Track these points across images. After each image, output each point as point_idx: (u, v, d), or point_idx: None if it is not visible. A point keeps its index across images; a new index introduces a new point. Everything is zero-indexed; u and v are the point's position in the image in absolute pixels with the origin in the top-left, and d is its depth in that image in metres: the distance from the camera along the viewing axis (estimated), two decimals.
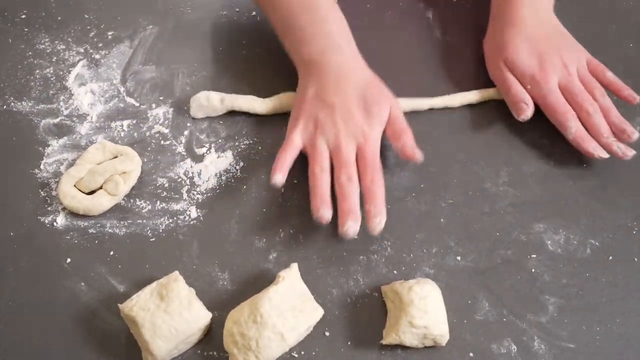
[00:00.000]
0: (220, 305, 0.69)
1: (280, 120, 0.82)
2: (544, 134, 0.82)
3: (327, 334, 0.68)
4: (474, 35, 0.93)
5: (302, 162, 0.76)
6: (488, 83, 0.86)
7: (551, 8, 0.88)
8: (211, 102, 0.82)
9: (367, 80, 0.79)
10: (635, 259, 0.73)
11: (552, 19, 0.87)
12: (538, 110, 0.83)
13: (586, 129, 0.79)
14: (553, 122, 0.81)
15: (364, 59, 0.82)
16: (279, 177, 0.72)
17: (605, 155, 0.78)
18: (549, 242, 0.74)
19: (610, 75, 0.83)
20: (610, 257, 0.73)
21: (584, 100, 0.80)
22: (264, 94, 0.84)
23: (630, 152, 0.78)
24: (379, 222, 0.71)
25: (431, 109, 0.85)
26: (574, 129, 0.79)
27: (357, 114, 0.76)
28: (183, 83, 0.87)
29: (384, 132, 0.77)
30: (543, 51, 0.82)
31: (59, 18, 0.94)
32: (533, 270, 0.72)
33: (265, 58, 0.89)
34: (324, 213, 0.71)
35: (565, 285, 0.71)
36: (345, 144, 0.75)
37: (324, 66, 0.79)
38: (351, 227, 0.70)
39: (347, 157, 0.74)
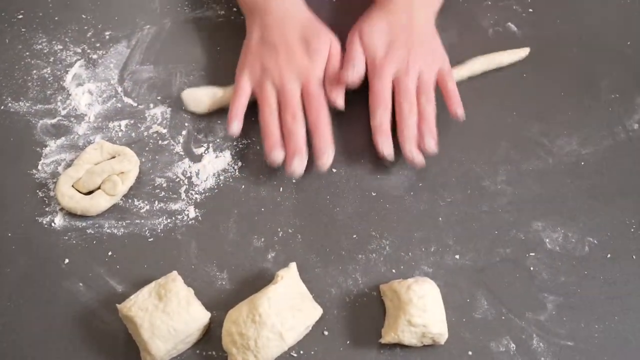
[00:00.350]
0: (219, 305, 0.69)
1: None
2: (543, 133, 0.82)
3: (326, 333, 0.68)
4: (467, 32, 0.93)
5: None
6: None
7: (432, 16, 0.86)
8: (197, 101, 0.83)
9: (306, 20, 0.83)
10: (634, 257, 0.73)
11: (426, 25, 0.85)
12: (536, 110, 0.83)
13: (397, 126, 0.78)
14: (369, 106, 0.79)
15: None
16: (235, 125, 0.77)
17: (391, 158, 0.77)
18: (548, 240, 0.74)
19: (451, 86, 0.81)
20: (609, 255, 0.73)
21: (405, 99, 0.78)
22: None
23: (419, 161, 0.76)
24: (327, 158, 0.75)
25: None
26: (378, 118, 0.77)
27: (299, 52, 0.80)
28: (181, 83, 0.87)
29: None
30: (395, 42, 0.81)
31: (56, 18, 0.94)
32: (532, 268, 0.72)
33: None
34: (276, 156, 0.75)
35: (564, 283, 0.71)
36: (289, 83, 0.78)
37: (265, 11, 0.84)
38: (297, 167, 0.74)
39: (291, 96, 0.77)
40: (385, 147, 0.77)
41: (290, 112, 0.77)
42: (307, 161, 0.75)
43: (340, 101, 0.78)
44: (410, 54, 0.80)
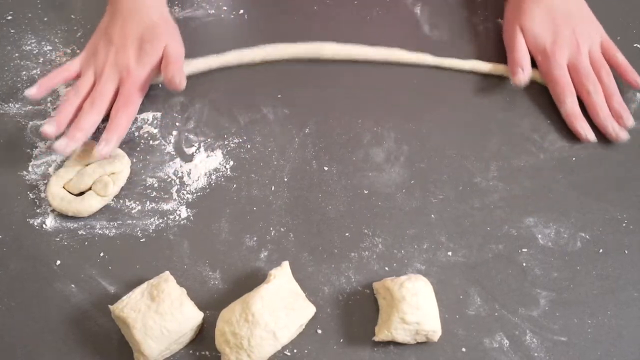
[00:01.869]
0: (212, 304, 0.69)
1: (271, 120, 0.82)
2: (534, 128, 0.83)
3: (319, 331, 0.68)
4: (462, 31, 0.93)
5: (294, 156, 0.76)
6: None
7: None
8: None
9: (152, 21, 0.82)
10: (626, 252, 0.73)
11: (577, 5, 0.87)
12: (529, 102, 0.84)
13: (587, 109, 0.81)
14: (553, 96, 0.83)
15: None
16: (34, 89, 0.78)
17: (593, 139, 0.79)
18: (540, 236, 0.74)
19: (620, 57, 0.84)
20: (601, 250, 0.73)
21: (588, 79, 0.81)
22: None
23: (624, 136, 0.79)
24: (103, 147, 0.75)
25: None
26: (569, 105, 0.80)
27: (130, 50, 0.80)
28: None
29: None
30: (558, 25, 0.83)
31: (46, 19, 0.93)
32: (524, 264, 0.72)
33: None
34: (48, 127, 0.74)
35: (557, 278, 0.71)
36: (106, 75, 0.79)
37: (119, 2, 0.83)
38: (59, 145, 0.74)
39: (101, 87, 0.78)
40: (587, 132, 0.80)
41: (91, 100, 0.77)
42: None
43: (181, 82, 0.78)
44: (576, 33, 0.83)
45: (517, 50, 0.84)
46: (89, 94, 0.78)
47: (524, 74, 0.82)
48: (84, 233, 0.74)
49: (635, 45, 0.91)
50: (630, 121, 0.80)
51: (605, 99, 0.81)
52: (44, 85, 0.78)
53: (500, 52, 0.90)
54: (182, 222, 0.75)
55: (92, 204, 0.74)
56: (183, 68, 0.80)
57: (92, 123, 0.76)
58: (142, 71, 0.79)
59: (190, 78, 0.85)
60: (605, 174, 0.79)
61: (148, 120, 0.83)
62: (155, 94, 0.85)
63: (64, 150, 0.74)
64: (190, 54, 0.89)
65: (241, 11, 0.94)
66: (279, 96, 0.85)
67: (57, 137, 0.75)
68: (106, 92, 0.78)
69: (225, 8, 0.95)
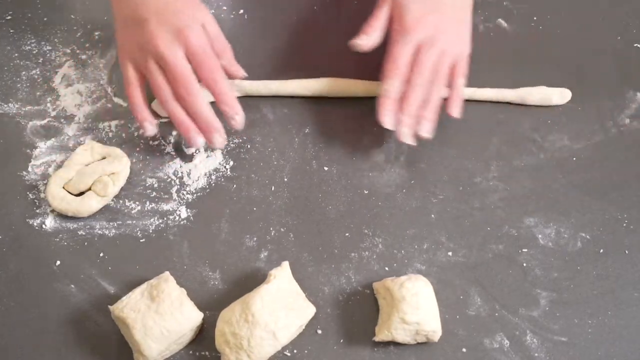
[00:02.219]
0: (212, 305, 0.69)
1: (271, 120, 0.82)
2: (535, 128, 0.82)
3: (319, 332, 0.68)
4: None
5: (294, 156, 0.76)
6: (476, 78, 0.86)
7: (469, 3, 0.82)
8: None
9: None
10: (626, 252, 0.73)
11: (462, 8, 0.81)
12: (527, 105, 0.83)
13: (403, 95, 0.76)
14: (384, 68, 0.77)
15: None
16: (148, 126, 0.75)
17: (387, 125, 0.75)
18: (540, 236, 0.74)
19: (460, 82, 0.78)
20: (601, 250, 0.73)
21: (422, 73, 0.75)
22: None
23: (408, 140, 0.75)
24: (238, 120, 0.75)
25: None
26: (390, 86, 0.75)
27: (168, 15, 0.72)
28: None
29: None
30: (431, 11, 0.77)
31: (45, 19, 0.93)
32: (524, 264, 0.72)
33: (253, 56, 0.89)
34: (196, 142, 0.74)
35: (557, 278, 0.71)
36: (167, 48, 0.71)
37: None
38: (217, 142, 0.74)
39: (175, 63, 0.71)
40: (387, 117, 0.75)
41: (182, 85, 0.71)
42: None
43: (241, 72, 0.78)
44: (439, 29, 0.77)
45: (377, 18, 0.78)
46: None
47: (367, 40, 0.77)
48: (84, 233, 0.74)
49: (635, 45, 0.91)
50: (426, 132, 0.75)
51: (422, 100, 0.76)
52: (143, 116, 0.75)
53: (500, 52, 0.90)
54: (182, 222, 0.75)
55: (91, 204, 0.74)
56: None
57: (207, 107, 0.73)
58: (196, 25, 0.73)
59: None
60: (606, 174, 0.79)
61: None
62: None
63: (223, 141, 0.75)
64: None
65: (241, 11, 0.94)
66: (279, 96, 0.85)
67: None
68: (182, 65, 0.71)
69: (225, 8, 0.94)
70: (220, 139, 0.74)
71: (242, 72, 0.79)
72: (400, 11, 0.77)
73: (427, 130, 0.75)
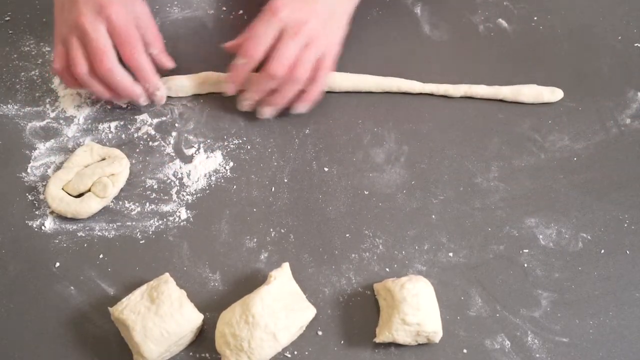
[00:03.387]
0: (212, 306, 0.69)
1: (271, 121, 0.82)
2: (535, 128, 0.82)
3: (320, 333, 0.68)
4: (462, 31, 0.92)
5: (295, 157, 0.76)
6: (477, 79, 0.86)
7: (349, 9, 0.81)
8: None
9: None
10: (627, 252, 0.73)
11: (340, 16, 0.80)
12: (527, 105, 0.83)
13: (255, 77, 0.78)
14: (241, 44, 0.77)
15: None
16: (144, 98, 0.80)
17: (230, 93, 0.81)
18: (541, 236, 0.74)
19: (320, 81, 0.78)
20: (602, 250, 0.73)
21: (279, 61, 0.75)
22: None
23: (244, 106, 0.81)
24: (160, 95, 0.81)
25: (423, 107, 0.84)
26: (242, 63, 0.77)
27: None
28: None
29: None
30: (304, 4, 0.76)
31: (44, 20, 0.93)
32: (525, 265, 0.72)
33: None
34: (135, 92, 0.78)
35: (558, 279, 0.71)
36: (89, 23, 0.73)
37: None
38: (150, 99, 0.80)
39: (96, 38, 0.73)
40: (228, 85, 0.80)
41: (99, 58, 0.74)
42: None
43: (170, 63, 0.81)
44: (310, 22, 0.75)
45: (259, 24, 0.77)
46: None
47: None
48: (83, 235, 0.74)
49: (635, 45, 0.91)
50: (265, 113, 0.81)
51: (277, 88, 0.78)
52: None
53: (500, 52, 0.89)
54: (181, 223, 0.75)
55: (91, 205, 0.74)
56: None
57: (123, 74, 0.77)
58: (117, 4, 0.75)
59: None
60: (607, 174, 0.79)
61: (147, 121, 0.82)
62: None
63: (161, 98, 0.81)
64: (190, 54, 0.89)
65: (240, 11, 0.94)
66: None
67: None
68: (103, 40, 0.74)
69: (224, 8, 0.94)
70: (142, 98, 0.78)
71: (170, 63, 0.81)
72: (274, 3, 0.76)
73: (265, 112, 0.81)
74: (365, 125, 0.82)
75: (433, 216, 0.75)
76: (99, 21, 0.73)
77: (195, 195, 0.77)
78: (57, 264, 0.71)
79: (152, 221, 0.75)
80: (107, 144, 0.80)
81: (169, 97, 0.84)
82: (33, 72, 0.87)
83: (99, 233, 0.74)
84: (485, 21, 0.93)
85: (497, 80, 0.85)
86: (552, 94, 0.85)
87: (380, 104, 0.84)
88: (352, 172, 0.78)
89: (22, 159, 0.79)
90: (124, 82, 0.76)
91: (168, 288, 0.65)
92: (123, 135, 0.81)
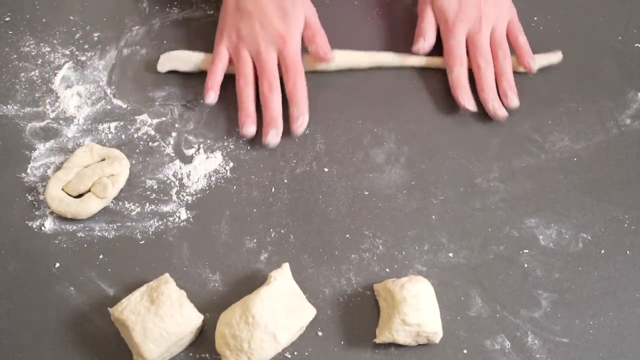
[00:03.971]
0: (212, 307, 0.69)
1: None
2: (535, 129, 0.82)
3: (320, 333, 0.68)
4: None
5: (294, 158, 0.76)
6: None
7: None
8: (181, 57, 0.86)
9: None
10: (627, 252, 0.73)
11: None
12: (529, 103, 0.83)
13: (475, 82, 0.83)
14: (446, 65, 0.85)
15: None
16: (212, 95, 0.80)
17: (473, 108, 0.81)
18: (541, 236, 0.74)
19: (521, 39, 0.86)
20: (603, 251, 0.73)
21: (481, 54, 0.83)
22: None
23: (502, 113, 0.81)
24: (300, 123, 0.78)
25: (421, 106, 0.84)
26: (455, 74, 0.82)
27: (274, 17, 0.80)
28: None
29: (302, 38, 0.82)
30: (466, 1, 0.85)
31: (44, 20, 0.93)
32: (525, 265, 0.72)
33: None
34: (248, 129, 0.78)
35: (558, 279, 0.71)
36: (265, 50, 0.79)
37: None
38: (273, 136, 0.77)
39: (268, 64, 0.79)
40: (465, 99, 0.81)
41: (267, 80, 0.79)
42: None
43: (330, 54, 0.81)
44: (482, 10, 0.84)
45: (423, 20, 0.87)
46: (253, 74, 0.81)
47: (424, 43, 0.85)
48: (83, 235, 0.73)
49: (636, 45, 0.91)
50: (514, 102, 0.82)
51: (495, 77, 0.83)
52: (213, 87, 0.80)
53: None
54: (181, 224, 0.74)
55: (91, 205, 0.74)
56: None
57: (279, 103, 0.78)
58: (295, 35, 0.80)
59: (190, 78, 0.85)
60: (607, 174, 0.79)
61: (147, 121, 0.82)
62: (153, 94, 0.85)
63: (277, 140, 0.77)
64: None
65: None
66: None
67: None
68: (274, 67, 0.79)
69: None
70: (276, 136, 0.77)
71: (329, 56, 0.81)
72: (439, 13, 0.86)
73: (513, 100, 0.82)
74: (365, 125, 0.82)
75: (433, 216, 0.75)
76: (273, 49, 0.80)
77: (195, 196, 0.77)
78: (57, 265, 0.71)
79: (152, 221, 0.75)
80: (107, 144, 0.80)
81: (169, 97, 0.84)
82: (33, 73, 0.87)
83: (98, 233, 0.74)
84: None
85: None
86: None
87: (381, 103, 0.84)
88: (352, 173, 0.78)
89: (22, 160, 0.79)
90: (278, 109, 0.79)
91: (168, 288, 0.65)
92: (123, 136, 0.81)
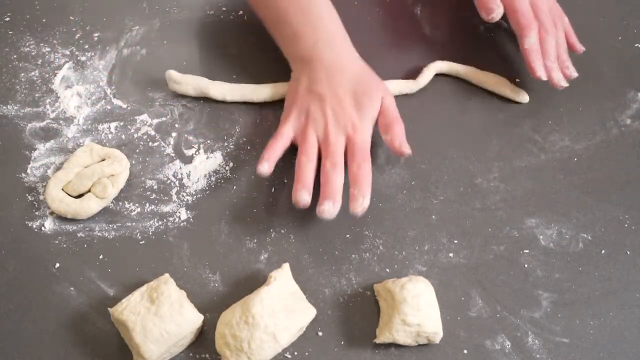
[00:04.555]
0: (212, 307, 0.68)
1: (269, 121, 0.82)
2: (535, 129, 0.82)
3: (320, 333, 0.68)
4: (462, 32, 0.92)
5: (292, 159, 0.75)
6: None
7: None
8: (179, 82, 0.83)
9: (358, 73, 0.79)
10: (628, 252, 0.73)
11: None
12: (529, 102, 0.83)
13: (541, 47, 0.82)
14: (515, 29, 0.83)
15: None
16: (265, 166, 0.73)
17: (544, 78, 0.80)
18: (541, 237, 0.74)
19: (565, 21, 0.86)
20: (603, 251, 0.73)
21: (547, 18, 0.82)
22: None
23: (564, 83, 0.81)
24: (361, 203, 0.70)
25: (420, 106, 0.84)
26: (533, 40, 0.81)
27: (348, 105, 0.76)
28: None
29: (376, 124, 0.77)
30: None
31: (44, 20, 0.93)
32: (526, 265, 0.72)
33: (253, 57, 0.89)
34: (302, 196, 0.71)
35: (558, 279, 0.71)
36: (334, 134, 0.75)
37: (316, 60, 0.79)
38: (328, 208, 0.70)
39: (334, 147, 0.74)
40: (540, 70, 0.80)
41: (331, 161, 0.73)
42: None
43: (407, 148, 0.75)
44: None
45: None
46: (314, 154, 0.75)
47: (498, 9, 0.81)
48: (83, 235, 0.73)
49: (636, 45, 0.91)
50: (574, 73, 0.83)
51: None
52: (270, 158, 0.74)
53: (501, 52, 0.89)
54: (181, 224, 0.74)
55: (91, 206, 0.74)
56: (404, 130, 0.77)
57: (341, 182, 0.72)
58: (366, 125, 0.76)
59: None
60: (607, 174, 0.79)
61: (147, 121, 0.82)
62: (153, 95, 0.85)
63: (333, 213, 0.70)
64: (190, 56, 0.89)
65: (240, 12, 0.94)
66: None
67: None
68: (340, 150, 0.74)
69: (224, 9, 0.94)
70: (332, 209, 0.70)
71: (407, 150, 0.75)
72: None
73: (573, 70, 0.83)
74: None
75: (433, 216, 0.75)
76: (343, 136, 0.75)
77: (195, 196, 0.77)
78: (57, 265, 0.71)
79: (152, 222, 0.75)
80: (107, 144, 0.80)
81: (169, 97, 0.84)
82: (33, 73, 0.87)
83: (98, 234, 0.74)
84: (486, 21, 0.93)
85: None
86: (516, 94, 0.85)
87: None
88: None
89: (21, 160, 0.79)
90: (339, 185, 0.72)
91: (168, 289, 0.65)
92: (123, 136, 0.81)
